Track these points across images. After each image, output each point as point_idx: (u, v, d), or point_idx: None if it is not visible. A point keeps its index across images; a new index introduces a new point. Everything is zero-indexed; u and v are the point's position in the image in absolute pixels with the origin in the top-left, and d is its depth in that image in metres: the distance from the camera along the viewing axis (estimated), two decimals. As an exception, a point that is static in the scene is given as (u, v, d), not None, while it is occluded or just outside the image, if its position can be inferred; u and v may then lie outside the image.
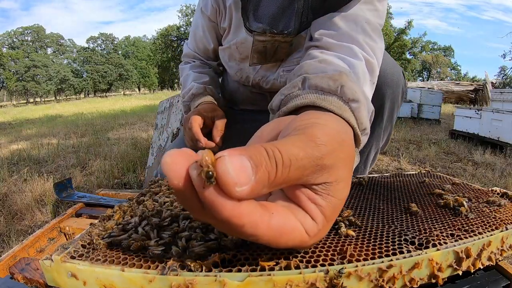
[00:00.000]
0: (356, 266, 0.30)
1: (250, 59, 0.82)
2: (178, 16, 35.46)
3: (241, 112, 1.02)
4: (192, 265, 0.30)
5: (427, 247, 0.34)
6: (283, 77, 0.84)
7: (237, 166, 0.20)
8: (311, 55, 0.51)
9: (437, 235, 0.36)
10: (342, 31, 0.55)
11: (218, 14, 0.87)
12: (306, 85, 0.40)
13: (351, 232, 0.37)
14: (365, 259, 0.32)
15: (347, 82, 0.38)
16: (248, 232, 0.22)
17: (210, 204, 0.21)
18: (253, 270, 0.30)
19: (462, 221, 0.41)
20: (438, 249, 0.34)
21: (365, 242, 0.35)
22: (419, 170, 0.70)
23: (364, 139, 0.40)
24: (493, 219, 0.41)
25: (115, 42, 39.23)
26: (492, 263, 0.38)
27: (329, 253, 0.32)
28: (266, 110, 1.00)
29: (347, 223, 0.40)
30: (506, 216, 0.42)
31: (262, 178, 0.21)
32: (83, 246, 0.35)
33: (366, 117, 0.39)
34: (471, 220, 0.41)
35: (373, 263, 0.31)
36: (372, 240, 0.36)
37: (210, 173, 0.19)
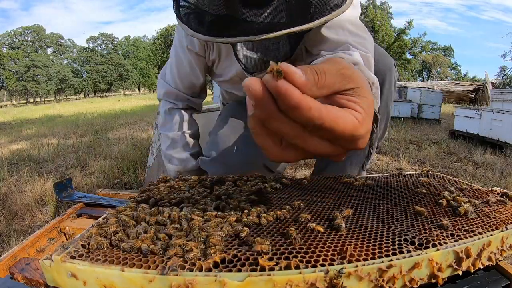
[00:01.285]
0: (356, 266, 0.30)
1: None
2: (178, 16, 35.27)
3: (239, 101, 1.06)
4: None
5: (427, 247, 0.34)
6: None
7: (293, 68, 0.28)
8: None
9: (437, 235, 0.36)
10: (332, 40, 0.65)
11: (206, 47, 0.89)
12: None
13: (319, 228, 0.38)
14: (365, 259, 0.32)
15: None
16: (315, 115, 0.28)
17: (284, 92, 0.27)
18: (253, 270, 0.30)
19: (462, 221, 0.41)
20: (438, 249, 0.34)
21: (365, 242, 0.35)
22: (420, 170, 0.70)
23: (374, 90, 0.52)
24: (493, 219, 0.41)
25: (115, 42, 39.23)
26: (492, 263, 0.38)
27: (329, 253, 0.32)
28: None
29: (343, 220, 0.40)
30: (506, 216, 0.42)
31: (310, 78, 0.28)
32: (83, 246, 0.35)
33: (370, 74, 0.52)
34: (471, 220, 0.41)
35: (373, 263, 0.31)
36: (372, 240, 0.36)
37: (279, 69, 0.27)
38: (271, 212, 0.43)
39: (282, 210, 0.44)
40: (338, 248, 0.33)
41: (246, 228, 0.38)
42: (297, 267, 0.30)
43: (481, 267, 0.37)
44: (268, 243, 0.34)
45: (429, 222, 0.41)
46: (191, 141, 0.96)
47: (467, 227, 0.39)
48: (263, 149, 0.32)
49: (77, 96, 34.51)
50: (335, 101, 0.32)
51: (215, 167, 0.87)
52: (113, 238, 0.36)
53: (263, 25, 0.55)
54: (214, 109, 1.44)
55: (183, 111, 0.97)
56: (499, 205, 0.46)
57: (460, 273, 0.36)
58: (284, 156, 0.32)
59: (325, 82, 0.30)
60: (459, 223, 0.40)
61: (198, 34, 0.56)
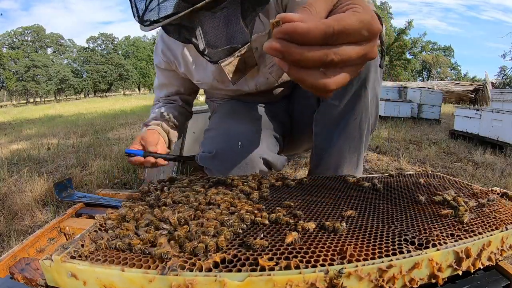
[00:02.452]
0: (356, 266, 0.30)
1: (231, 80, 0.86)
2: (178, 16, 35.27)
3: (246, 102, 1.06)
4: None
5: (427, 247, 0.34)
6: (273, 72, 0.91)
7: (287, 13, 0.30)
8: None
9: (437, 235, 0.36)
10: None
11: (171, 64, 0.96)
12: None
13: (312, 225, 0.38)
14: (365, 259, 0.32)
15: None
16: (323, 28, 0.29)
17: (290, 30, 0.29)
18: (253, 270, 0.30)
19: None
20: (438, 249, 0.34)
21: (365, 242, 0.35)
22: (421, 170, 0.70)
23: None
24: (493, 219, 0.41)
25: (115, 42, 39.22)
26: (492, 263, 0.38)
27: (329, 253, 0.32)
28: (261, 101, 1.05)
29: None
30: (506, 216, 0.42)
31: (303, 13, 0.32)
32: (83, 246, 0.35)
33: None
34: (471, 220, 0.41)
35: (373, 263, 0.31)
36: (372, 240, 0.36)
37: (276, 21, 0.30)
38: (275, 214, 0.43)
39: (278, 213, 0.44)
40: (338, 248, 0.33)
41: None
42: (297, 267, 0.30)
43: (481, 267, 0.37)
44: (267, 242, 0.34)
45: (429, 221, 0.40)
46: (170, 116, 1.00)
47: (467, 227, 0.39)
48: (317, 90, 0.33)
49: (77, 96, 34.50)
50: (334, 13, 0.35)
51: (217, 163, 0.88)
52: (117, 242, 0.36)
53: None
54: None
55: (170, 104, 1.05)
56: (499, 206, 0.46)
57: (460, 273, 0.36)
58: (337, 80, 0.33)
59: (316, 9, 0.33)
60: (459, 223, 0.40)
61: (140, 25, 0.63)
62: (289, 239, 0.36)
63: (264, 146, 0.90)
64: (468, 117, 3.01)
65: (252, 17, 0.70)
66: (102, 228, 0.40)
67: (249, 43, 0.77)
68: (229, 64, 0.81)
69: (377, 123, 0.93)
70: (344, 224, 0.38)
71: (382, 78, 0.85)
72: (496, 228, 0.39)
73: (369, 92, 0.82)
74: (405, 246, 0.34)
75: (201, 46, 0.74)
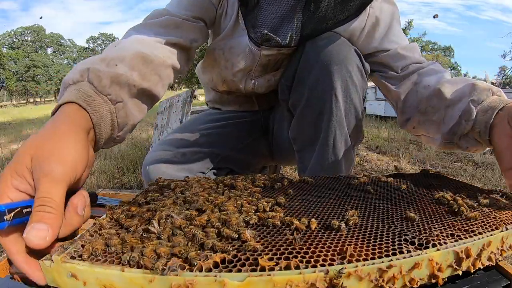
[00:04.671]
0: (356, 266, 0.30)
1: (253, 72, 0.83)
2: (178, 16, 35.27)
3: (226, 112, 1.02)
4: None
5: (427, 247, 0.34)
6: (271, 80, 0.86)
7: None
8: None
9: (437, 235, 0.36)
10: (413, 58, 0.75)
11: (220, 5, 0.78)
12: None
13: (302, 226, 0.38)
14: (365, 259, 0.32)
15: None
16: None
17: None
18: (253, 270, 0.30)
19: (462, 221, 0.41)
20: (438, 249, 0.34)
21: (365, 242, 0.35)
22: (420, 169, 0.70)
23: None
24: (493, 219, 0.41)
25: (115, 42, 39.16)
26: (492, 263, 0.38)
27: (329, 253, 0.32)
28: (250, 110, 1.06)
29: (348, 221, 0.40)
30: (506, 216, 0.42)
31: None
32: (83, 246, 0.35)
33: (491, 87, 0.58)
34: (471, 220, 0.41)
35: (373, 263, 0.31)
36: (372, 240, 0.36)
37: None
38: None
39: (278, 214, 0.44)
40: (338, 248, 0.33)
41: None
42: (297, 267, 0.30)
43: (481, 267, 0.37)
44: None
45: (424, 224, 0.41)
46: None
47: (467, 227, 0.39)
48: None
49: (77, 96, 34.39)
50: None
51: (215, 159, 0.87)
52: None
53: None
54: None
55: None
56: (499, 205, 0.46)
57: (460, 273, 0.36)
58: None
59: None
60: (459, 223, 0.40)
61: None
62: (313, 226, 0.38)
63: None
64: None
65: (308, 28, 0.74)
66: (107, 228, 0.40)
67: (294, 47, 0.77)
68: (267, 56, 0.78)
69: (362, 132, 0.81)
70: (344, 223, 0.38)
71: (365, 81, 0.75)
72: (496, 228, 0.39)
73: (341, 104, 0.71)
74: (405, 246, 0.34)
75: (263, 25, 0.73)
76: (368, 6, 0.73)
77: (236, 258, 0.32)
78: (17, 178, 0.34)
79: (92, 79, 0.47)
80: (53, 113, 0.45)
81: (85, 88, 0.46)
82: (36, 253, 0.34)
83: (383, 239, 0.36)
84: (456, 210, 0.43)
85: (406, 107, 0.74)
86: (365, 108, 0.88)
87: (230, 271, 0.30)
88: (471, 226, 0.39)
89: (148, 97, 0.61)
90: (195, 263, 0.30)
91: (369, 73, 0.78)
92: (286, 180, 0.59)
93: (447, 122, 0.62)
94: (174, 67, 0.68)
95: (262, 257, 0.32)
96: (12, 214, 0.31)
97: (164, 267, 0.30)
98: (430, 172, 0.68)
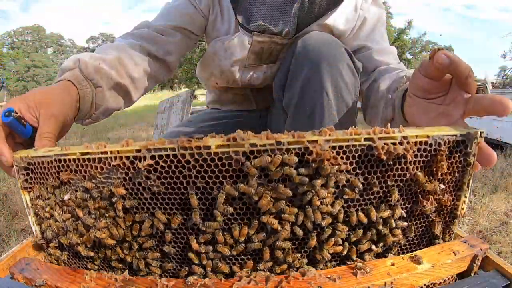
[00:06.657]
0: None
1: (247, 60, 0.84)
2: (178, 16, 35.20)
3: (224, 112, 1.04)
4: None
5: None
6: (267, 73, 0.89)
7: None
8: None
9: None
10: (384, 62, 0.80)
11: (211, 12, 0.83)
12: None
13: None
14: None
15: None
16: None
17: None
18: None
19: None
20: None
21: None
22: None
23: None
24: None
25: (115, 42, 39.15)
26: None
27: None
28: (248, 110, 1.06)
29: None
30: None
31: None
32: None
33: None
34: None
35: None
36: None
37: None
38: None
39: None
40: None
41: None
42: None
43: (481, 268, 0.37)
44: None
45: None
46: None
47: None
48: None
49: (77, 96, 34.41)
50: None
51: None
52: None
53: None
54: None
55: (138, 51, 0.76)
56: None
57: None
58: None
59: None
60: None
61: None
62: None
63: None
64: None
65: (304, 19, 0.76)
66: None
67: (289, 38, 0.79)
68: (259, 43, 0.80)
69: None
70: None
71: (357, 79, 0.74)
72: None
73: (333, 104, 0.70)
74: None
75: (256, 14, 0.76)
76: (359, 8, 0.82)
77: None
78: (25, 104, 0.50)
79: (81, 67, 0.63)
80: None
81: (77, 73, 0.63)
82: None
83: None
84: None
85: (364, 104, 0.80)
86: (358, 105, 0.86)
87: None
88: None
89: (124, 93, 0.74)
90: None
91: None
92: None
93: (380, 113, 0.69)
94: (147, 73, 0.79)
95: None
96: (17, 116, 0.47)
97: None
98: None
